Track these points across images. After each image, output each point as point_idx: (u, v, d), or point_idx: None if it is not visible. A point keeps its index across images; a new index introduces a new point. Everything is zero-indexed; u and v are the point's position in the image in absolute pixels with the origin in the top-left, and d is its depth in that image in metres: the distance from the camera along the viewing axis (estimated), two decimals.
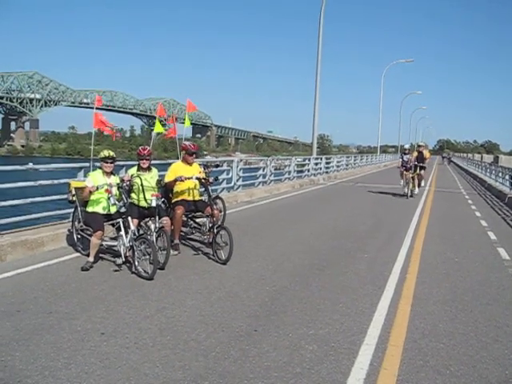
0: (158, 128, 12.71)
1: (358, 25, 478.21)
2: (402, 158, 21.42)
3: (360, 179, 31.77)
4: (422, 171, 21.40)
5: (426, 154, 21.29)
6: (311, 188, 24.14)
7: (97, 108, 10.76)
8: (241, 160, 19.31)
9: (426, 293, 7.22)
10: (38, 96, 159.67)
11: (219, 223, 9.20)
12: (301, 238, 10.92)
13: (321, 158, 31.41)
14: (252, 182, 20.23)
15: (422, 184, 22.34)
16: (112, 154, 8.34)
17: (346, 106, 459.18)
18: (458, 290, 7.48)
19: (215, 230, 8.70)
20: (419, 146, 22.14)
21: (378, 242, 10.79)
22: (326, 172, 31.74)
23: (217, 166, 13.04)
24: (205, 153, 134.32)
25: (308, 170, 27.96)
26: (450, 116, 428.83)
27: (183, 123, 14.56)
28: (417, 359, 4.98)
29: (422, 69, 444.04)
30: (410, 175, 20.78)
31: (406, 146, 22.09)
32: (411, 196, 20.76)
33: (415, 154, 21.23)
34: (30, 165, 10.71)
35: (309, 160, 28.84)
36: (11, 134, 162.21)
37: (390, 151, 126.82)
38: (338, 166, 35.18)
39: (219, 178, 12.55)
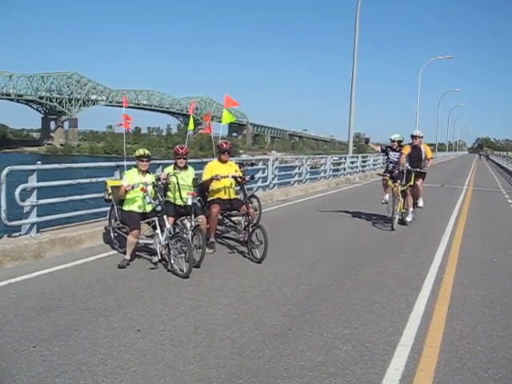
0: (191, 126, 12.79)
1: (394, 24, 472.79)
2: (387, 155, 13.75)
3: None
4: (420, 181, 12.98)
5: (427, 150, 13.09)
6: (347, 187, 23.98)
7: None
8: (276, 158, 19.28)
9: (463, 294, 7.11)
10: (76, 96, 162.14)
11: (254, 222, 9.20)
12: (336, 238, 10.87)
13: (357, 157, 31.15)
14: (288, 180, 20.19)
15: (421, 204, 13.22)
16: (147, 152, 8.41)
17: (383, 104, 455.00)
18: (497, 291, 7.34)
19: (250, 229, 8.71)
20: (414, 136, 12.95)
21: (414, 242, 10.67)
22: (362, 171, 31.48)
23: (252, 164, 13.06)
24: (241, 151, 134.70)
25: (344, 169, 27.75)
26: (490, 113, 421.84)
27: (220, 122, 14.46)
28: (454, 361, 4.90)
29: (461, 66, 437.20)
30: (400, 188, 12.51)
31: (395, 137, 13.56)
32: (403, 223, 12.92)
33: (407, 149, 12.84)
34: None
35: (345, 158, 28.63)
36: (51, 134, 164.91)
37: None
38: (374, 165, 34.83)
39: (255, 176, 12.55)
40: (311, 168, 22.89)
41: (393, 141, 13.51)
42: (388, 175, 13.26)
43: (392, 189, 12.79)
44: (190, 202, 8.35)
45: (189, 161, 9.23)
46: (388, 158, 13.73)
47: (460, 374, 4.66)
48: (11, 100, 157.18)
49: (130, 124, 10.34)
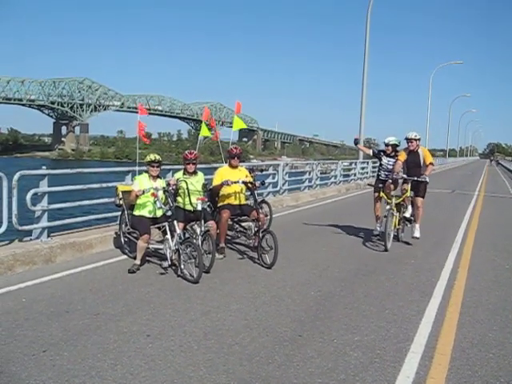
0: (204, 132, 12.51)
1: (403, 30, 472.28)
2: (380, 160, 11.64)
3: None
4: (420, 200, 10.93)
5: (425, 154, 10.85)
6: (357, 192, 23.91)
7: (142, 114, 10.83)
8: (287, 164, 19.27)
9: (474, 300, 7.05)
10: (88, 101, 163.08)
11: (265, 227, 9.19)
12: (346, 243, 10.84)
13: (367, 162, 31.09)
14: (298, 186, 20.16)
15: (417, 233, 11.00)
16: (158, 157, 8.42)
17: (393, 110, 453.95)
18: (509, 297, 7.27)
19: (260, 234, 8.70)
20: (410, 139, 10.73)
21: (424, 248, 10.59)
22: (373, 176, 31.34)
23: (262, 170, 13.08)
24: (251, 157, 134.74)
25: (354, 174, 27.71)
26: (501, 118, 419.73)
27: (230, 127, 14.43)
28: (465, 369, 4.86)
29: (472, 71, 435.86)
30: (394, 201, 10.58)
31: (390, 140, 11.39)
32: (397, 240, 11.03)
33: (403, 155, 10.77)
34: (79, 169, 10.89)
35: (355, 164, 28.59)
36: (62, 138, 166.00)
37: (439, 155, 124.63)
38: None
39: (265, 181, 12.55)
40: (321, 173, 22.86)
41: (387, 145, 11.38)
42: (381, 186, 11.03)
43: (385, 202, 10.77)
44: (199, 208, 8.35)
45: (199, 166, 9.24)
46: (380, 165, 11.64)
47: (471, 381, 4.61)
48: (23, 105, 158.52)
49: (143, 131, 10.37)
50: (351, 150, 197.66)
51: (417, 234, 10.95)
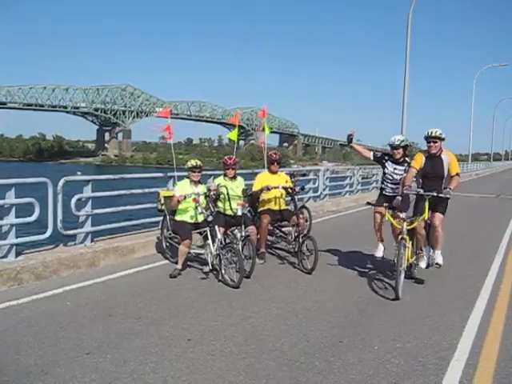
0: (233, 135, 12.08)
1: (446, 36, 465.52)
2: (384, 168, 8.64)
3: None
4: (439, 216, 7.95)
5: (451, 161, 7.88)
6: None
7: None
8: (327, 169, 19.18)
9: None
10: (130, 108, 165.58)
11: (305, 232, 9.18)
12: (388, 249, 10.70)
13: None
14: (339, 191, 20.03)
15: (439, 259, 8.13)
16: (199, 163, 8.50)
17: (435, 113, 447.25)
18: None
19: (301, 240, 8.68)
20: (431, 138, 7.77)
21: (468, 254, 10.40)
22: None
23: (303, 175, 13.05)
24: (291, 162, 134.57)
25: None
26: None
27: (270, 132, 14.33)
28: (511, 378, 4.74)
29: None
30: (405, 225, 7.56)
31: (396, 139, 8.27)
32: (410, 277, 8.01)
33: (419, 160, 7.92)
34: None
35: None
36: (105, 144, 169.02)
37: (482, 159, 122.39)
38: None
39: (305, 187, 12.48)
40: (363, 178, 22.63)
41: (394, 147, 8.24)
42: (386, 205, 7.89)
43: (393, 229, 8.13)
44: (239, 213, 8.39)
45: (240, 171, 9.28)
46: (384, 174, 8.59)
47: None
48: (67, 112, 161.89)
49: (163, 132, 10.37)
50: None
51: (439, 259, 8.07)
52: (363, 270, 8.68)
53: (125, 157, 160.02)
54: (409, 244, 7.55)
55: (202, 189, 8.45)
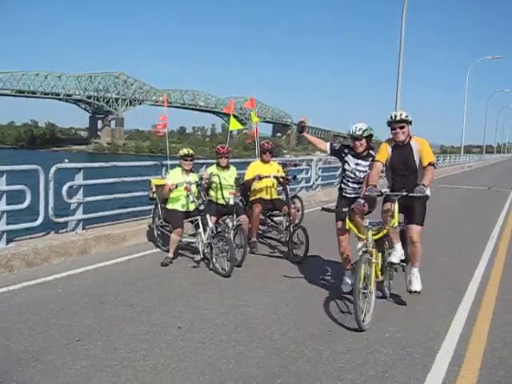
0: (233, 125, 12.08)
1: (440, 28, 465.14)
2: (344, 164, 7.03)
3: (442, 180, 30.88)
4: (416, 228, 6.32)
5: (423, 148, 6.21)
6: None
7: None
8: (320, 159, 19.17)
9: (509, 299, 6.93)
10: (123, 96, 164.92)
11: (296, 222, 9.20)
12: None
13: None
14: (331, 181, 20.04)
15: (416, 286, 6.55)
16: (191, 151, 8.50)
17: (428, 104, 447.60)
18: None
19: (292, 229, 8.71)
20: (395, 123, 6.18)
21: (458, 245, 10.46)
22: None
23: (295, 165, 13.04)
24: (284, 151, 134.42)
25: None
26: None
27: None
28: (497, 369, 4.78)
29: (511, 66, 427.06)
30: (370, 236, 5.95)
31: (358, 128, 6.63)
32: (383, 296, 6.70)
33: (384, 152, 6.39)
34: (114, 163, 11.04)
35: None
36: (98, 132, 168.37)
37: (475, 151, 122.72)
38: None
39: (298, 177, 12.46)
40: None
41: (355, 138, 6.67)
42: (346, 210, 6.42)
43: (357, 238, 6.64)
44: (231, 202, 8.41)
45: (232, 160, 9.28)
46: (344, 171, 7.01)
47: (504, 382, 4.55)
48: (60, 99, 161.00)
49: (160, 125, 10.38)
50: None
51: (416, 286, 6.51)
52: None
53: (117, 145, 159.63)
54: (377, 259, 6.02)
55: (193, 177, 8.45)
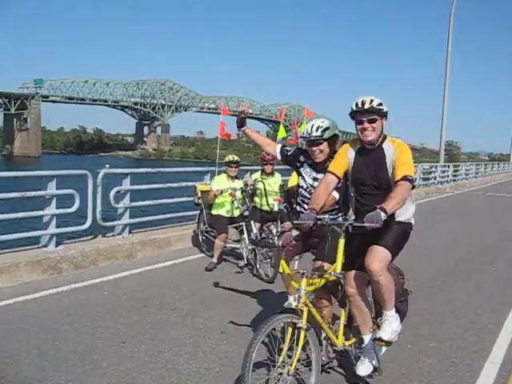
0: (281, 133, 12.35)
1: (490, 25, 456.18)
2: (299, 176, 5.09)
3: (491, 188, 30.28)
4: (376, 250, 3.91)
5: (401, 155, 3.95)
6: (437, 196, 23.31)
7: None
8: None
9: None
10: (169, 102, 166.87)
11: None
12: (425, 250, 10.56)
13: (448, 166, 30.30)
14: None
15: (387, 333, 4.01)
16: (236, 158, 8.55)
17: (476, 111, 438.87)
18: None
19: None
20: (364, 113, 3.93)
21: (509, 255, 10.22)
22: (454, 180, 30.50)
23: None
24: None
25: (434, 178, 27.11)
26: None
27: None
28: None
29: None
30: (304, 285, 3.92)
31: (314, 126, 4.62)
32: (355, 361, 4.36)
33: (343, 156, 4.30)
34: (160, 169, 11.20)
35: (435, 167, 27.95)
36: (144, 138, 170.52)
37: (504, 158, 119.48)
38: (466, 174, 33.71)
39: None
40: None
41: (311, 141, 4.73)
42: (293, 242, 4.67)
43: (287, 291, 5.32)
44: (276, 208, 8.40)
45: (277, 167, 9.28)
46: (299, 188, 5.13)
47: None
48: (108, 106, 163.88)
49: (224, 131, 10.63)
50: (432, 153, 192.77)
51: (385, 334, 4.07)
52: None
53: (163, 151, 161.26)
54: (326, 319, 4.39)
55: (238, 184, 8.50)
